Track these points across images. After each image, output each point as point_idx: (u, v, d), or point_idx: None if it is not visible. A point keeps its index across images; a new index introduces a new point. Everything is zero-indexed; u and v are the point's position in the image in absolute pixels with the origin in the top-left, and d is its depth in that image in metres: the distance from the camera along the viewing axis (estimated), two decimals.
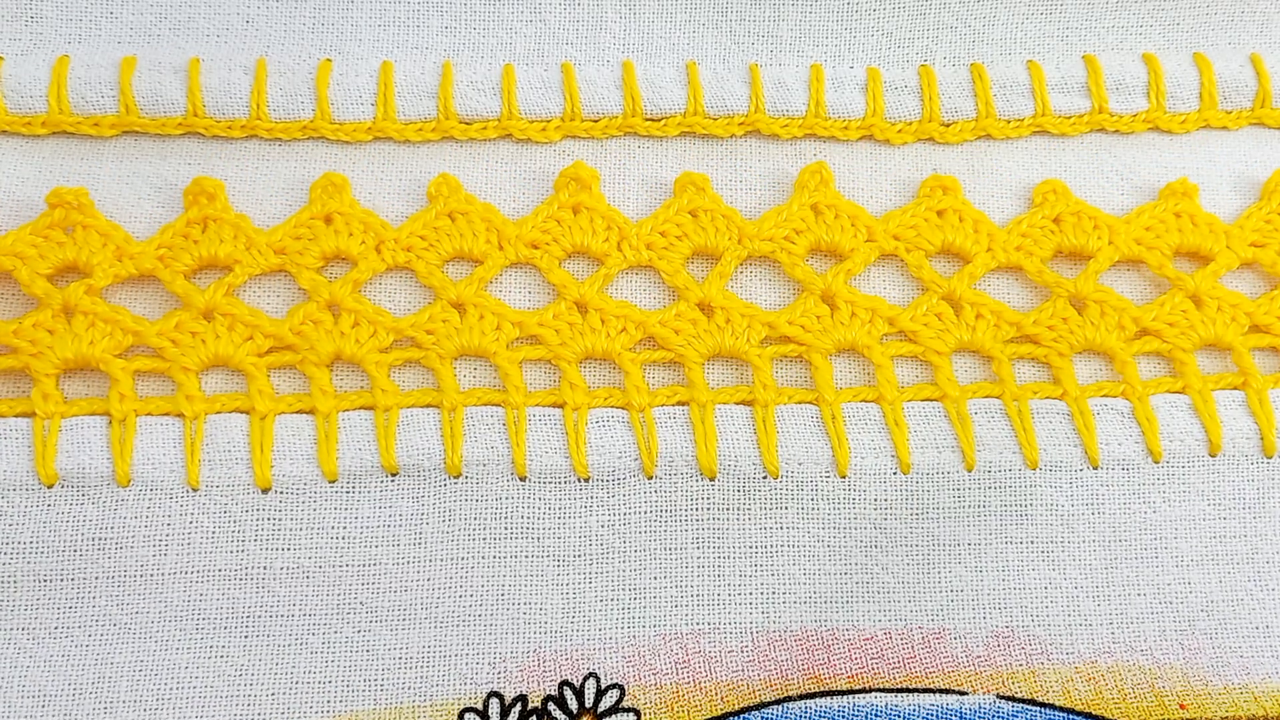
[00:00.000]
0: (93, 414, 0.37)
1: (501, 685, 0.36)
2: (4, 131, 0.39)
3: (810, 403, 0.38)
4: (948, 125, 0.42)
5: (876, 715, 0.36)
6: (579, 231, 0.39)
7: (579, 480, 0.37)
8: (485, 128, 0.40)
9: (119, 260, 0.38)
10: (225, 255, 0.38)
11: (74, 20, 0.40)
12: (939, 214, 0.40)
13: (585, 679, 0.36)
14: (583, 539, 0.37)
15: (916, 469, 0.38)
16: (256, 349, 0.38)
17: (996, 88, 0.42)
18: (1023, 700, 0.37)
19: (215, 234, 0.38)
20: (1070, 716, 0.36)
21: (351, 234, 0.39)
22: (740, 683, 0.37)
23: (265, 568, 0.36)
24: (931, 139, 0.42)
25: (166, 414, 0.37)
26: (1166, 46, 0.43)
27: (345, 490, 0.37)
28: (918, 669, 0.37)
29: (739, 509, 0.38)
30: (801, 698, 0.37)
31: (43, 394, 0.36)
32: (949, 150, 0.42)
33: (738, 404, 0.38)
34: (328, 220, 0.39)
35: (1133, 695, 0.37)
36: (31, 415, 0.36)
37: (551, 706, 0.36)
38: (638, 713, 0.36)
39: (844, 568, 0.38)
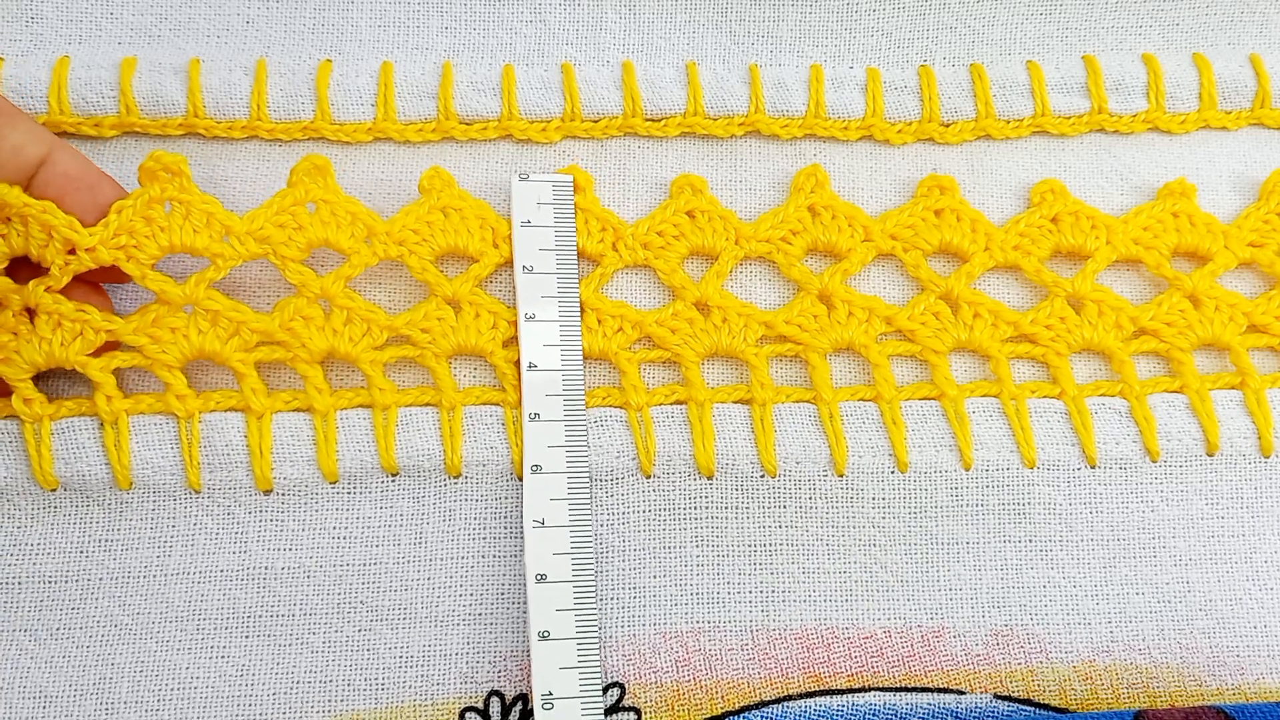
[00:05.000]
0: (80, 415, 0.36)
1: (502, 684, 0.36)
2: None
3: (808, 401, 0.38)
4: (947, 125, 0.42)
5: (875, 714, 0.36)
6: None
7: None
8: (485, 128, 0.40)
9: (70, 253, 0.35)
10: (202, 246, 0.36)
11: (74, 21, 0.40)
12: (936, 213, 0.40)
13: None
14: None
15: (914, 468, 0.38)
16: (243, 344, 0.37)
17: (996, 88, 0.42)
18: (1019, 700, 0.37)
19: (181, 217, 0.36)
20: (1060, 718, 0.36)
21: (339, 225, 0.38)
22: (740, 681, 0.37)
23: (267, 568, 0.36)
24: (931, 139, 0.42)
25: (158, 413, 0.36)
26: (1166, 47, 0.43)
27: (346, 491, 0.37)
28: (917, 667, 0.37)
29: (737, 507, 0.38)
30: (801, 696, 0.37)
31: (23, 399, 0.35)
32: (949, 150, 0.42)
33: (735, 403, 0.38)
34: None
35: (1126, 696, 0.37)
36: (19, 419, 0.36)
37: None
38: (638, 711, 0.36)
39: (843, 566, 0.38)
